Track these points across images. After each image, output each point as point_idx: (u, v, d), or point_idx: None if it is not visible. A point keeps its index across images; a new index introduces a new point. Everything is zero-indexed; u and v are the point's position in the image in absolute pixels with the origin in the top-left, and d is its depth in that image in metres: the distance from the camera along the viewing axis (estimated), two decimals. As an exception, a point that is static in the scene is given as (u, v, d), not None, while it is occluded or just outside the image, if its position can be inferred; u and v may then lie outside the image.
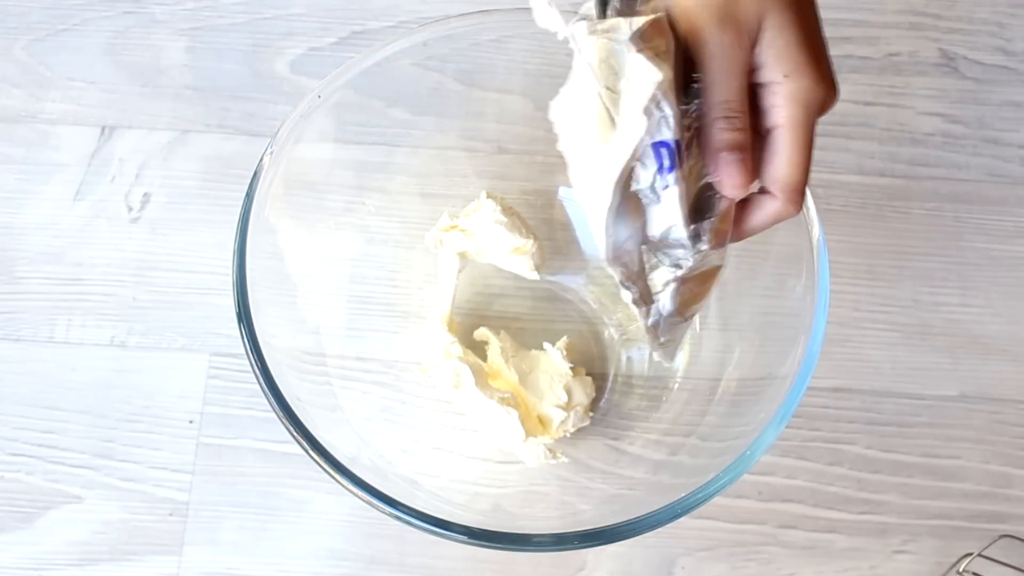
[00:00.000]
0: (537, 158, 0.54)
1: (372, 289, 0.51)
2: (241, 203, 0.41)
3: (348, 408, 0.46)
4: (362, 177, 0.50)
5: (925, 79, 0.59)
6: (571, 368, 0.48)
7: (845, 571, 0.48)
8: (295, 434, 0.37)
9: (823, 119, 0.32)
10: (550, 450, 0.45)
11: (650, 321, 0.36)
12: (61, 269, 0.54)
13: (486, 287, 0.53)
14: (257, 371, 0.38)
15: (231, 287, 0.40)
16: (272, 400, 0.38)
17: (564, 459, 0.45)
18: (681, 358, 0.49)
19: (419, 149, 0.48)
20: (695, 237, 0.33)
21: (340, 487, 0.37)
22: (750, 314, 0.47)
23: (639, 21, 0.30)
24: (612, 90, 0.30)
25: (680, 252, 0.34)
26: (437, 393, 0.48)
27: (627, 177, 0.31)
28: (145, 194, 0.55)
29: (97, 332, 0.52)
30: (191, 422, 0.50)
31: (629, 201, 0.32)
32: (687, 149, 0.31)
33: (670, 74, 0.30)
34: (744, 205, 0.34)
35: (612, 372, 0.51)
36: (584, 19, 0.31)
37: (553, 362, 0.48)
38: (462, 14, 0.44)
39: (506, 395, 0.46)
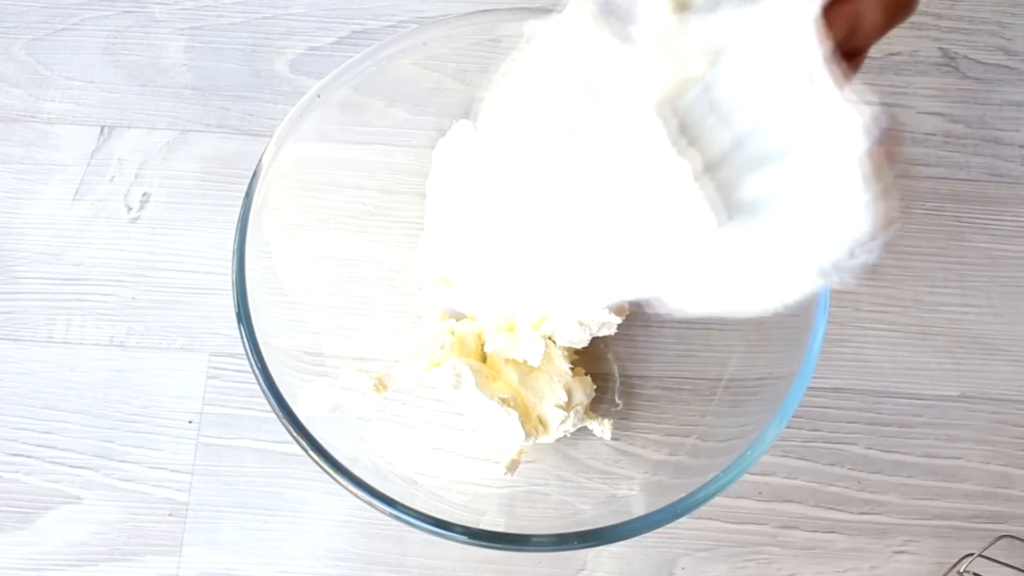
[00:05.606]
0: (537, 158, 0.54)
1: (372, 289, 0.50)
2: (240, 203, 0.41)
3: (348, 408, 0.46)
4: (362, 177, 0.50)
5: (926, 79, 0.59)
6: (571, 368, 0.48)
7: (845, 571, 0.48)
8: (295, 434, 0.37)
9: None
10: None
11: None
12: (60, 269, 0.54)
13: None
14: (257, 371, 0.38)
15: (230, 287, 0.40)
16: (272, 400, 0.38)
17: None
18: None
19: (419, 149, 0.48)
20: None
21: (340, 487, 0.37)
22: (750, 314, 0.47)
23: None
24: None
25: None
26: (437, 393, 0.48)
27: None
28: (144, 194, 0.55)
29: (96, 332, 0.52)
30: (190, 422, 0.50)
31: None
32: None
33: None
34: None
35: (612, 372, 0.50)
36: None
37: (553, 362, 0.48)
38: (462, 14, 0.44)
39: (506, 395, 0.46)
